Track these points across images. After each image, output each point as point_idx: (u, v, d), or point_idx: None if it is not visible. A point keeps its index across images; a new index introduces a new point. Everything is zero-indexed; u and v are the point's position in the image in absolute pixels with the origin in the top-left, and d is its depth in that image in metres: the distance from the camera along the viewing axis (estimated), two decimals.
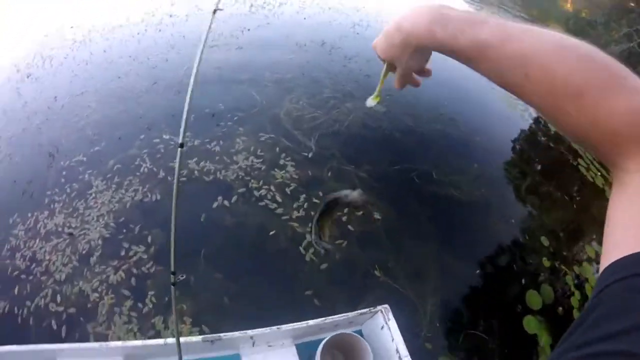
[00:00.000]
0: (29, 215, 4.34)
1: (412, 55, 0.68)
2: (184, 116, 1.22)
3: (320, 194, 3.99)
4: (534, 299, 3.70)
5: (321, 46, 6.43)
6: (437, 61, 0.80)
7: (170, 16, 8.45)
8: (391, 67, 0.76)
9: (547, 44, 0.52)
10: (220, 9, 1.60)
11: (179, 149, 1.60)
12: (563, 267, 4.01)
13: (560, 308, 3.73)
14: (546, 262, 4.00)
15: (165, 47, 7.01)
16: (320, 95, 5.25)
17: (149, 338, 3.25)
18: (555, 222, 4.56)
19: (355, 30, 6.96)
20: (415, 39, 0.64)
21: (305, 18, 7.54)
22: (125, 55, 7.07)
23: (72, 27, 9.00)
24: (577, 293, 3.83)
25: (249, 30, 7.11)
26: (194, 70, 1.32)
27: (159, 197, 4.16)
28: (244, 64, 6.09)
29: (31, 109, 6.23)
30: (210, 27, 1.37)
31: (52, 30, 9.15)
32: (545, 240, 4.18)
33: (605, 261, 0.47)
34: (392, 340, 2.38)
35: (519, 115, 5.88)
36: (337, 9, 7.77)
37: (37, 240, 4.08)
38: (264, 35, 6.97)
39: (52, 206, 4.38)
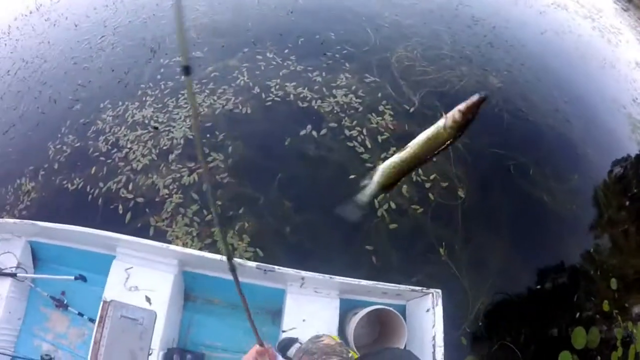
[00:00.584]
0: (120, 103, 4.61)
1: None
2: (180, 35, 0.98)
3: None
4: (579, 337, 3.48)
5: None
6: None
7: None
8: None
9: None
10: None
11: (185, 76, 1.41)
12: (619, 317, 3.69)
13: (599, 358, 3.50)
14: (606, 306, 3.69)
15: None
16: (437, 51, 4.90)
17: (205, 245, 3.38)
18: (632, 268, 4.17)
19: None
20: None
21: None
22: None
23: None
24: (620, 350, 3.55)
25: None
26: None
27: (249, 111, 4.16)
28: None
29: (140, 3, 6.47)
30: None
31: None
32: (614, 283, 3.83)
33: None
34: (433, 326, 2.34)
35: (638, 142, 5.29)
36: None
37: (123, 128, 4.33)
38: None
39: (143, 99, 4.59)
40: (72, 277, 2.67)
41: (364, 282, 2.45)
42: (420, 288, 2.47)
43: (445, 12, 5.62)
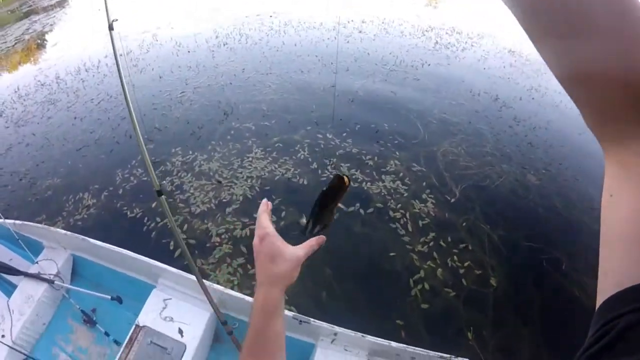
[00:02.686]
0: (190, 152, 5.16)
1: None
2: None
3: (449, 239, 4.05)
4: None
5: (494, 100, 6.41)
6: None
7: (360, 32, 9.20)
8: None
9: None
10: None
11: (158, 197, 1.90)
12: None
13: None
14: None
15: (350, 58, 7.67)
16: (480, 148, 5.26)
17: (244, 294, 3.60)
18: None
19: (531, 94, 6.75)
20: None
21: (485, 68, 7.58)
22: (312, 54, 7.92)
23: (271, 16, 10.36)
24: None
25: (428, 65, 7.44)
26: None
27: (305, 182, 4.60)
28: (416, 96, 6.39)
29: (220, 71, 7.39)
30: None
31: (254, 13, 10.62)
32: None
33: (608, 287, 0.39)
34: None
35: None
36: (518, 68, 7.63)
37: (189, 174, 4.81)
38: (442, 74, 7.20)
39: (212, 153, 5.12)
40: (109, 297, 2.71)
41: (394, 344, 2.45)
42: (449, 356, 2.48)
43: (490, 113, 6.03)
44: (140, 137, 1.94)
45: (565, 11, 0.36)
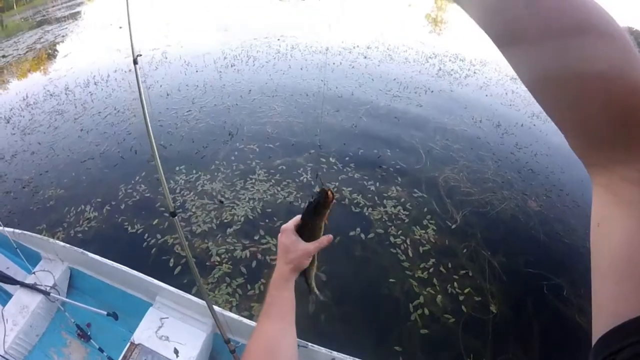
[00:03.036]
0: (194, 171, 5.23)
1: None
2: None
3: (449, 265, 4.07)
4: None
5: (495, 127, 6.49)
6: None
7: (365, 57, 9.40)
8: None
9: None
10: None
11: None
12: None
13: None
14: None
15: (355, 84, 7.83)
16: (481, 174, 5.31)
17: (242, 316, 3.45)
18: None
19: (533, 121, 6.83)
20: None
21: (487, 95, 7.70)
22: (317, 78, 8.08)
23: (278, 39, 10.62)
24: None
25: (432, 91, 7.58)
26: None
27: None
28: (419, 122, 6.48)
29: (227, 91, 7.54)
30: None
31: (262, 37, 10.88)
32: None
33: (602, 320, 0.38)
34: None
35: None
36: (519, 94, 7.72)
37: (191, 193, 4.86)
38: (445, 100, 7.32)
39: (215, 173, 5.18)
40: (105, 312, 2.65)
41: None
42: None
43: (491, 139, 6.11)
44: (158, 160, 2.01)
45: (539, 21, 0.35)
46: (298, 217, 0.96)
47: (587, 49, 0.35)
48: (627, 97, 0.34)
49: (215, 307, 2.63)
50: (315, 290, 1.07)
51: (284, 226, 0.96)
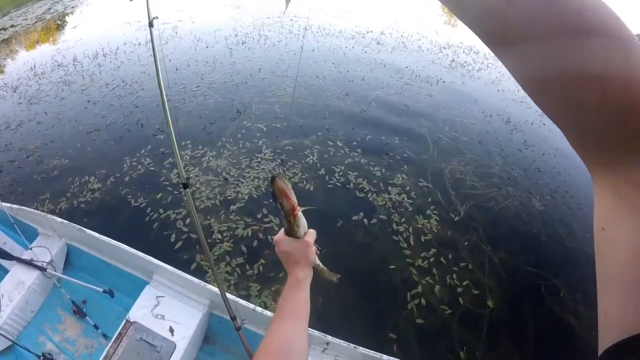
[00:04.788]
0: (200, 147, 5.20)
1: None
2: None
3: (450, 256, 4.06)
4: None
5: (505, 123, 6.43)
6: None
7: (378, 43, 9.27)
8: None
9: None
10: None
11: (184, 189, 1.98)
12: None
13: None
14: None
15: (366, 68, 7.74)
16: (487, 169, 5.28)
17: (240, 296, 3.28)
18: None
19: (542, 120, 6.76)
20: None
21: (499, 90, 7.61)
22: (329, 60, 7.99)
23: (291, 19, 10.47)
24: None
25: (443, 82, 7.50)
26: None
27: (312, 188, 4.63)
28: (429, 112, 6.43)
29: (236, 69, 7.47)
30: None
31: (274, 16, 10.74)
32: None
33: (608, 331, 0.37)
34: None
35: None
36: None
37: (196, 169, 4.84)
38: (456, 92, 7.25)
39: (221, 150, 5.16)
40: (101, 289, 2.65)
41: (385, 357, 2.42)
42: None
43: (500, 135, 6.06)
44: (173, 132, 1.99)
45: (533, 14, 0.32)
46: (279, 233, 0.99)
47: (582, 46, 0.31)
48: (628, 95, 0.31)
49: (208, 286, 2.65)
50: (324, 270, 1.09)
51: (274, 239, 0.99)
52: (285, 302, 0.87)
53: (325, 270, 1.08)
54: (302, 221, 0.94)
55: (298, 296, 0.88)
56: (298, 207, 0.90)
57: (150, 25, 1.95)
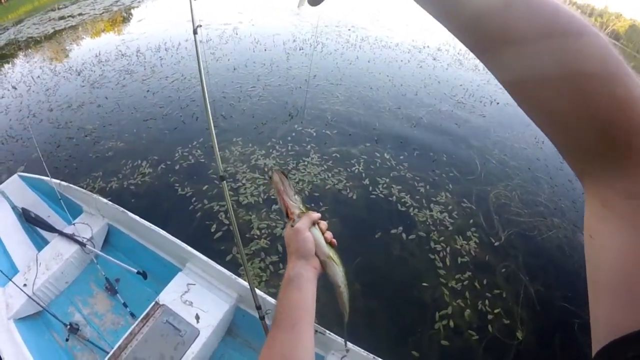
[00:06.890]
0: (250, 145, 5.38)
1: None
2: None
3: (485, 282, 4.01)
4: None
5: (556, 151, 6.22)
6: None
7: (434, 59, 9.21)
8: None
9: None
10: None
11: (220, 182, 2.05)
12: None
13: None
14: None
15: (420, 84, 7.75)
16: (534, 197, 5.16)
17: (269, 293, 3.36)
18: None
19: None
20: None
21: None
22: (384, 72, 8.07)
23: (349, 29, 10.66)
24: None
25: (497, 103, 7.39)
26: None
27: (354, 197, 4.69)
28: (480, 133, 6.38)
29: (292, 74, 7.67)
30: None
31: (333, 24, 10.94)
32: None
33: (600, 333, 0.38)
34: None
35: None
36: None
37: (244, 166, 5.00)
38: (509, 114, 7.10)
39: (270, 150, 5.33)
40: (135, 270, 2.73)
41: None
42: None
43: (550, 163, 5.91)
44: (212, 123, 2.09)
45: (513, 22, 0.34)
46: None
47: (561, 49, 0.33)
48: (610, 102, 0.33)
49: (239, 280, 2.71)
50: (345, 301, 0.93)
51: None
52: (279, 306, 0.74)
53: (339, 273, 0.87)
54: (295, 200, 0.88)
55: (292, 297, 0.75)
56: (290, 198, 0.87)
57: (195, 32, 2.07)
